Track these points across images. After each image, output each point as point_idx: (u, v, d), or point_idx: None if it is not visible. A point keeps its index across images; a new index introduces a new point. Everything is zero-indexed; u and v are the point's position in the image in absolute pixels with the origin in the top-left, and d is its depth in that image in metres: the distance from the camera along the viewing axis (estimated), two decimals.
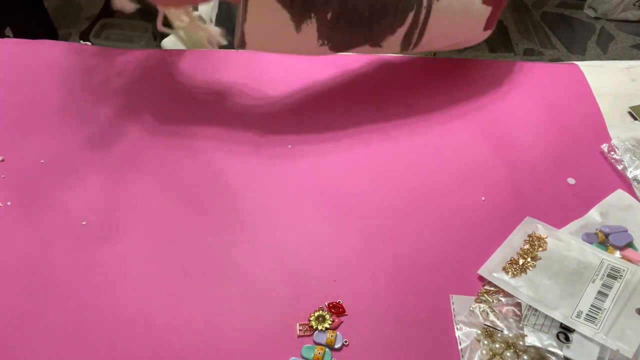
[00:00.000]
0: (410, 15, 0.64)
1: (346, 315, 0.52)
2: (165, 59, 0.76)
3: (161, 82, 0.73)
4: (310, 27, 0.61)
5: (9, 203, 0.59)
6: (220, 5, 0.81)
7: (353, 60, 0.76)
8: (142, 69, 0.74)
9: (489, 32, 0.71)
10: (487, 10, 0.68)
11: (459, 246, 0.57)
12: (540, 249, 0.56)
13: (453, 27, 0.69)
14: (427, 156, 0.66)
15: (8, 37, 1.47)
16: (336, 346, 0.50)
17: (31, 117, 0.68)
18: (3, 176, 0.62)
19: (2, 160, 0.63)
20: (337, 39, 0.64)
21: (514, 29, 2.06)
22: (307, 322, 0.51)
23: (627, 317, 0.49)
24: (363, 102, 0.71)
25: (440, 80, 0.74)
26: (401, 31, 0.65)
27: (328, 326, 0.51)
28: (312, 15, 0.60)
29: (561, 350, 0.48)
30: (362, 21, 0.63)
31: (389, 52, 0.68)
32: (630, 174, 0.63)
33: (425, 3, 0.64)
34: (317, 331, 0.51)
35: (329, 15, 0.61)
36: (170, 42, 0.86)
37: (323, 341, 0.50)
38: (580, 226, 0.59)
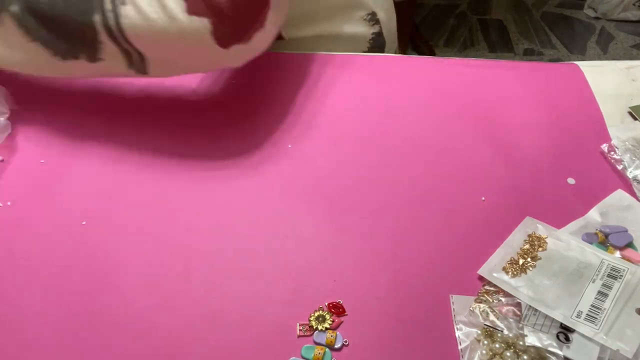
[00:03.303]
0: (99, 27, 0.54)
1: (346, 315, 0.52)
2: None
3: (160, 82, 0.73)
4: (7, 22, 0.56)
5: (9, 203, 0.59)
6: None
7: (352, 60, 0.76)
8: None
9: (238, 52, 0.56)
10: (201, 23, 0.52)
11: (459, 246, 0.57)
12: (540, 249, 0.56)
13: (169, 46, 0.55)
14: (427, 156, 0.66)
15: None
16: (336, 346, 0.50)
17: (31, 117, 0.68)
18: (3, 176, 0.62)
19: (2, 161, 0.63)
20: (40, 43, 0.57)
21: (514, 29, 2.06)
22: (307, 322, 0.51)
23: (627, 317, 0.49)
24: (363, 101, 0.71)
25: (439, 80, 0.74)
26: (107, 48, 0.56)
27: (328, 326, 0.51)
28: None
29: (561, 350, 0.48)
30: (53, 31, 0.56)
31: (115, 72, 0.59)
32: (630, 174, 0.63)
33: (109, 6, 0.53)
34: (317, 331, 0.51)
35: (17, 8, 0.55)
36: None
37: (323, 341, 0.50)
38: (580, 226, 0.59)
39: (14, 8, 0.55)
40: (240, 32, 0.55)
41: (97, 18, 0.53)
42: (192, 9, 0.52)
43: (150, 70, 0.58)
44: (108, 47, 0.55)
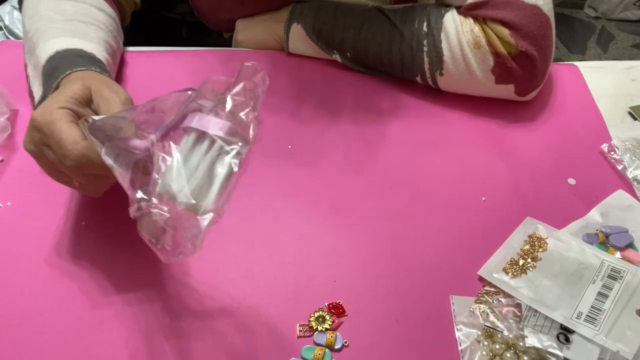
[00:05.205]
0: (418, 78, 0.70)
1: (346, 315, 0.52)
2: (164, 59, 0.76)
3: (160, 82, 0.73)
4: (338, 58, 0.72)
5: (9, 203, 0.59)
6: None
7: None
8: (141, 69, 0.74)
9: (532, 95, 0.68)
10: (507, 87, 0.66)
11: (459, 246, 0.57)
12: (541, 249, 0.56)
13: (474, 94, 0.70)
14: (427, 156, 0.65)
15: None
16: (336, 347, 0.50)
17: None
18: (3, 176, 0.62)
19: (2, 161, 0.63)
20: (365, 71, 0.73)
21: None
22: (307, 323, 0.51)
23: (627, 318, 0.49)
24: (363, 101, 0.71)
25: None
26: (418, 83, 0.71)
27: (328, 327, 0.51)
28: (335, 51, 0.71)
29: (561, 351, 0.48)
30: (377, 68, 0.72)
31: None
32: (630, 174, 0.63)
33: (428, 74, 0.68)
34: (317, 332, 0.51)
35: (348, 54, 0.71)
36: None
37: (323, 342, 0.50)
38: (580, 227, 0.59)
39: (344, 55, 0.71)
40: (537, 85, 0.67)
41: (417, 78, 0.69)
42: (500, 80, 0.66)
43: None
44: (417, 82, 0.71)
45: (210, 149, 0.39)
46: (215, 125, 0.38)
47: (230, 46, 0.81)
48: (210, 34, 0.86)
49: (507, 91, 0.67)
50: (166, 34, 0.89)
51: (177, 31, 0.90)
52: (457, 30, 0.64)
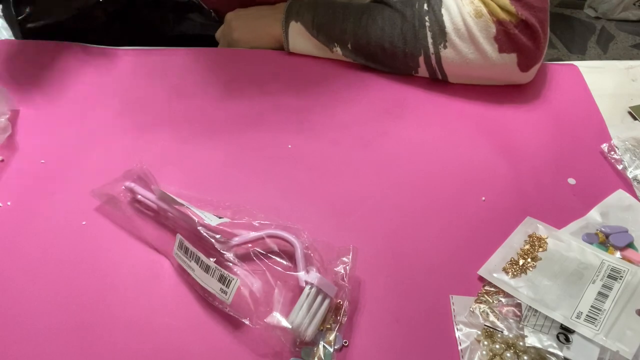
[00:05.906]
0: (421, 59, 0.70)
1: (346, 315, 0.52)
2: (165, 58, 0.76)
3: (161, 82, 0.73)
4: (339, 51, 0.73)
5: (9, 203, 0.59)
6: None
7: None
8: (141, 69, 0.74)
9: (532, 71, 0.69)
10: (510, 57, 0.66)
11: (459, 246, 0.57)
12: (541, 249, 0.56)
13: (477, 72, 0.70)
14: (427, 156, 0.66)
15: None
16: (336, 347, 0.50)
17: (31, 117, 0.68)
18: (3, 176, 0.62)
19: (2, 161, 0.63)
20: (366, 63, 0.74)
21: None
22: None
23: (627, 318, 0.49)
24: (363, 101, 0.71)
25: (439, 80, 0.74)
26: (421, 70, 0.72)
27: (328, 327, 0.51)
28: (336, 43, 0.72)
29: (561, 351, 0.48)
30: (378, 56, 0.72)
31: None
32: (630, 173, 0.63)
33: (432, 49, 0.68)
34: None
35: (349, 44, 0.72)
36: None
37: (323, 342, 0.50)
38: (580, 226, 0.59)
39: (344, 46, 0.72)
40: (538, 58, 0.68)
41: (420, 59, 0.69)
42: (503, 49, 0.66)
43: (447, 80, 0.72)
44: (420, 69, 0.71)
45: (323, 301, 0.51)
46: (331, 289, 0.51)
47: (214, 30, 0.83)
48: (193, 18, 0.88)
49: (510, 63, 0.67)
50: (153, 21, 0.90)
51: (165, 17, 0.91)
52: (457, 4, 0.66)
